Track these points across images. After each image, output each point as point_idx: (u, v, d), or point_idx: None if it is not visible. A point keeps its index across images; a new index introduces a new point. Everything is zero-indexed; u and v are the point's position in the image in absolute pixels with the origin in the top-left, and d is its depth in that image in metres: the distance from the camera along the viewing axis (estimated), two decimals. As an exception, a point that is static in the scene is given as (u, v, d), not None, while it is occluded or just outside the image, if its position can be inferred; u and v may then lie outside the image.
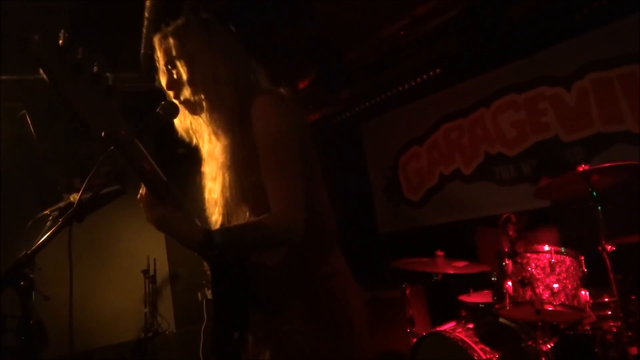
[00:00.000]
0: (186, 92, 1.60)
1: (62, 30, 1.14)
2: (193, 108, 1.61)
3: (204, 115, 1.60)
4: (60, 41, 1.11)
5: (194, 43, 1.58)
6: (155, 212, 1.32)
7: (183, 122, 1.68)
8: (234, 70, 1.60)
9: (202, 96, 1.57)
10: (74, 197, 2.27)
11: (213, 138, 1.64)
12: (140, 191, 1.36)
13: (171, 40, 1.60)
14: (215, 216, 1.63)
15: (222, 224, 1.61)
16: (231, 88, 1.57)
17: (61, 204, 2.32)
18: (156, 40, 1.65)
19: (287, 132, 1.52)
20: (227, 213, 1.59)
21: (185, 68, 1.58)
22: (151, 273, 4.85)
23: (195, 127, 1.69)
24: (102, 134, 1.18)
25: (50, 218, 2.22)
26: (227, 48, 1.62)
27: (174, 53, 1.60)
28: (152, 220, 1.34)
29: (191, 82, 1.58)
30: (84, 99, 1.12)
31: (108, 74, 1.16)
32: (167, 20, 1.67)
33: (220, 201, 1.60)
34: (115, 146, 1.20)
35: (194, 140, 1.73)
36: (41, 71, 1.11)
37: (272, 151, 1.49)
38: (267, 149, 1.49)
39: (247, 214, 1.54)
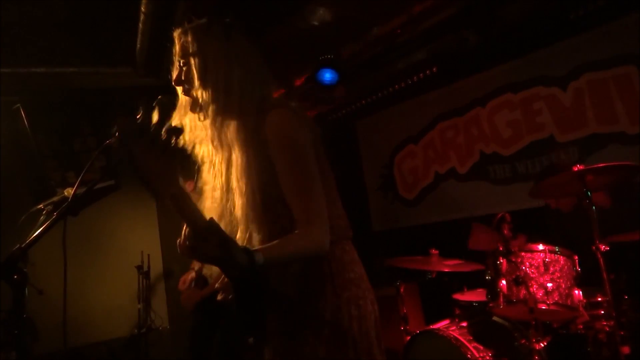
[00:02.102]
0: (195, 91, 1.58)
1: (141, 108, 1.36)
2: (197, 108, 1.59)
3: (209, 119, 1.58)
4: (139, 116, 1.27)
5: (212, 45, 1.58)
6: (201, 249, 1.29)
7: (181, 117, 1.65)
8: (249, 80, 1.59)
9: (211, 99, 1.55)
10: (68, 192, 2.25)
11: (217, 145, 1.62)
12: (183, 235, 1.34)
13: (190, 37, 1.60)
14: (238, 234, 1.61)
15: (242, 240, 1.60)
16: (245, 98, 1.56)
17: (55, 199, 2.31)
18: (176, 34, 1.64)
19: (306, 147, 1.52)
20: (247, 229, 1.58)
21: (198, 67, 1.57)
22: (145, 269, 4.84)
23: (192, 126, 1.65)
24: (158, 191, 1.27)
25: (44, 212, 2.20)
26: (245, 56, 1.61)
27: (190, 49, 1.59)
28: (199, 255, 1.33)
29: (202, 82, 1.56)
30: (150, 163, 1.23)
31: (172, 138, 1.30)
32: (190, 17, 1.66)
33: (240, 217, 1.58)
34: (172, 202, 1.27)
35: (187, 138, 1.68)
36: (120, 141, 1.30)
37: (294, 166, 1.49)
38: (288, 164, 1.50)
39: (268, 229, 1.55)
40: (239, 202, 1.57)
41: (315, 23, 4.39)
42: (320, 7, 4.16)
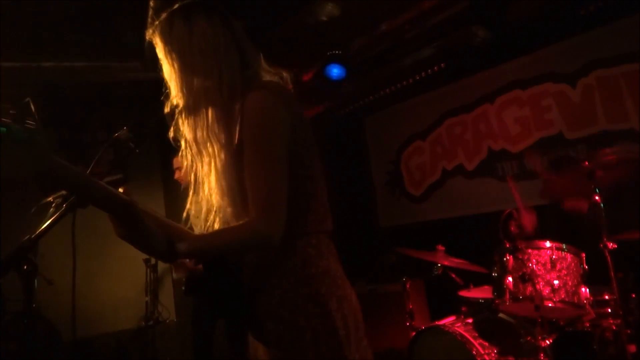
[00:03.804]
0: (176, 94, 1.53)
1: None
2: (183, 112, 1.54)
3: (188, 118, 1.53)
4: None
5: (176, 41, 1.54)
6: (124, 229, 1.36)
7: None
8: (225, 67, 1.49)
9: (183, 99, 1.51)
10: (77, 185, 2.27)
11: (198, 141, 1.52)
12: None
13: (156, 38, 1.58)
14: (216, 223, 1.55)
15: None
16: (224, 86, 1.48)
17: (64, 191, 2.32)
18: (147, 36, 1.62)
19: (273, 131, 1.40)
20: (224, 217, 1.53)
21: (169, 68, 1.55)
22: (153, 262, 4.86)
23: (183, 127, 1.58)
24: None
25: (53, 205, 2.22)
26: (209, 42, 1.51)
27: (160, 52, 1.57)
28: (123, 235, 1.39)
29: (175, 84, 1.53)
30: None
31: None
32: (154, 15, 1.64)
33: (217, 207, 1.53)
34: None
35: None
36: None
37: (253, 151, 1.40)
38: (249, 148, 1.41)
39: (239, 215, 1.48)
40: (216, 196, 1.52)
41: (324, 18, 4.38)
42: (328, 2, 4.15)
